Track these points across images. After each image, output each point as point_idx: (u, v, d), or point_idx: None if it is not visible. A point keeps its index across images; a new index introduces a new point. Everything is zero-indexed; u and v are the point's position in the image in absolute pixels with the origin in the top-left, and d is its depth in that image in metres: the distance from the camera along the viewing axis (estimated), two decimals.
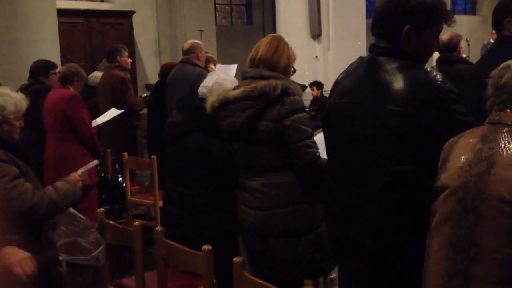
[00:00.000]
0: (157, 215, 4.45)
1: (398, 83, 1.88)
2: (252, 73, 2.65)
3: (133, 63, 11.33)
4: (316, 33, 9.54)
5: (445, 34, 4.34)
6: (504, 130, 1.67)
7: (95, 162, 3.66)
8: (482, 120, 1.86)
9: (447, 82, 1.89)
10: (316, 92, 9.24)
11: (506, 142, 1.65)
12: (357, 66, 2.11)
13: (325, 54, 9.60)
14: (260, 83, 2.55)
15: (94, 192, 4.48)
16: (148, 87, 11.97)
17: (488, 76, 2.85)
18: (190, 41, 5.17)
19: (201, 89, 3.10)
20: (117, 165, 5.12)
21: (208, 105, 2.72)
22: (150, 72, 12.38)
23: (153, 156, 4.59)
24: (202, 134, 2.97)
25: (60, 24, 10.39)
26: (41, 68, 5.16)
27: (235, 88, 2.68)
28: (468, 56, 9.45)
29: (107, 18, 11.19)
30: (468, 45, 9.84)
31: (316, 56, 9.62)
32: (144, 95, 6.31)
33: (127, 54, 5.89)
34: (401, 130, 1.86)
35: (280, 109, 2.53)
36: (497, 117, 1.71)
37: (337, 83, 2.18)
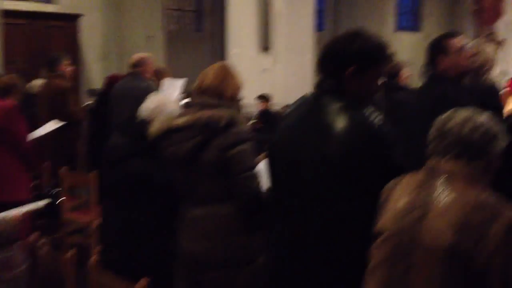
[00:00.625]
0: (93, 236, 4.33)
1: (341, 123, 1.92)
2: (198, 101, 2.62)
3: (78, 68, 11.08)
4: (264, 46, 9.60)
5: None
6: (440, 178, 1.72)
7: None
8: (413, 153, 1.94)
9: (386, 125, 1.94)
10: (263, 105, 9.27)
11: (441, 190, 1.69)
12: (301, 103, 2.15)
13: (274, 67, 9.66)
14: (206, 113, 2.53)
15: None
16: (92, 92, 11.64)
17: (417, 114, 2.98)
18: (137, 55, 5.09)
19: (143, 112, 3.04)
20: (55, 180, 4.96)
21: (152, 132, 2.67)
22: (95, 77, 12.10)
23: (92, 172, 4.47)
24: (143, 159, 2.92)
25: (2, 25, 10.11)
26: None
27: (180, 116, 2.64)
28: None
29: (52, 21, 10.86)
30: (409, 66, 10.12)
31: (264, 69, 9.67)
32: (87, 103, 6.15)
33: (67, 62, 5.73)
34: (340, 170, 1.91)
35: (224, 139, 2.52)
36: (435, 164, 1.75)
37: (282, 119, 2.21)
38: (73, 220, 4.84)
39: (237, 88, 2.68)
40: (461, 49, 3.00)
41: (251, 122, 9.38)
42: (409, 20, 17.67)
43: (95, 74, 12.15)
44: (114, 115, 4.95)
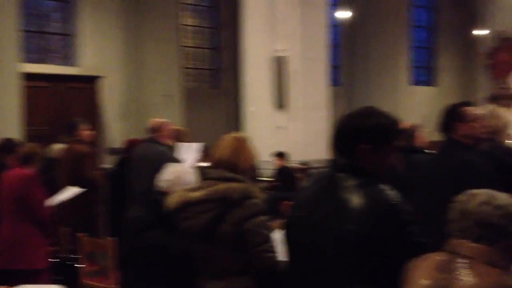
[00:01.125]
0: None
1: (356, 201, 1.92)
2: (213, 175, 2.65)
3: (98, 127, 11.30)
4: (280, 103, 9.71)
5: (403, 124, 4.47)
6: (460, 261, 1.69)
7: None
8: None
9: (403, 202, 1.94)
10: (279, 162, 9.29)
11: (461, 273, 1.66)
12: (316, 179, 2.16)
13: (289, 124, 9.74)
14: (221, 186, 2.55)
15: (44, 277, 4.32)
16: (112, 151, 11.87)
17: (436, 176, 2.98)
18: (156, 120, 5.19)
19: (162, 183, 3.08)
20: (74, 246, 4.96)
21: (168, 204, 2.68)
22: (115, 136, 12.31)
23: (111, 238, 4.47)
24: (161, 231, 2.93)
25: (24, 88, 10.40)
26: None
27: (196, 189, 2.66)
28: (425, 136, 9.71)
29: (73, 83, 11.17)
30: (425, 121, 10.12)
31: (280, 126, 9.74)
32: (107, 167, 6.23)
33: (85, 127, 5.85)
34: (358, 248, 1.89)
35: (240, 212, 2.53)
36: (455, 247, 1.73)
37: (298, 194, 2.22)
38: (92, 286, 4.81)
39: (251, 160, 2.70)
40: (476, 117, 3.06)
41: (268, 179, 9.40)
42: (424, 74, 17.83)
43: (115, 133, 12.37)
44: (133, 180, 4.99)
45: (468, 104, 3.15)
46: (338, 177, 2.02)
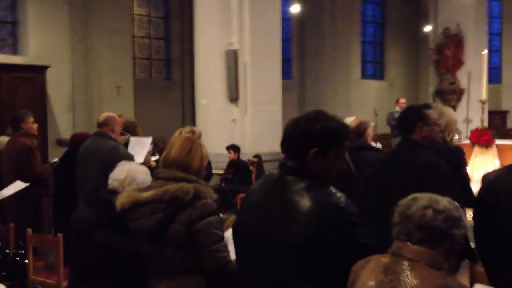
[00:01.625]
0: None
1: (304, 204, 1.95)
2: (164, 174, 2.63)
3: (45, 118, 10.99)
4: (233, 97, 9.71)
5: (353, 121, 4.55)
6: (404, 263, 1.74)
7: None
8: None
9: (350, 205, 1.98)
10: (233, 155, 9.31)
11: (405, 276, 1.72)
12: (265, 181, 2.18)
13: (242, 118, 9.76)
14: (172, 186, 2.53)
15: None
16: (60, 142, 11.59)
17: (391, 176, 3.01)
18: (105, 114, 5.07)
19: (112, 182, 3.03)
20: (20, 242, 4.83)
21: (118, 205, 2.65)
22: (63, 127, 12.02)
23: (59, 234, 4.38)
24: (110, 231, 2.89)
25: None
26: None
27: (146, 189, 2.64)
28: (376, 125, 9.94)
29: (20, 73, 10.80)
30: (376, 115, 10.38)
31: (234, 119, 9.76)
32: (53, 161, 6.08)
33: (31, 119, 5.69)
34: (306, 250, 1.93)
35: (191, 213, 2.52)
36: (399, 249, 1.78)
37: (247, 196, 2.23)
38: (40, 282, 4.70)
39: (203, 160, 2.69)
40: (437, 120, 3.19)
41: (221, 172, 9.41)
42: (373, 68, 18.16)
43: (63, 125, 12.07)
44: (80, 175, 4.89)
45: (429, 106, 3.25)
46: (287, 179, 2.05)
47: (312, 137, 2.02)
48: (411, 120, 3.13)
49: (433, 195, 1.80)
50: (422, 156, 2.99)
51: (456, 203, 1.81)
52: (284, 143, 2.11)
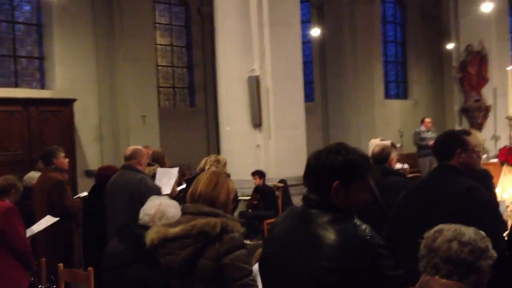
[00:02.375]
0: None
1: (329, 237, 1.96)
2: (192, 209, 2.67)
3: (73, 150, 11.19)
4: (257, 122, 9.76)
5: (377, 146, 4.54)
6: None
7: None
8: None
9: (376, 237, 1.98)
10: (258, 180, 9.32)
11: None
12: (289, 215, 2.19)
13: (266, 143, 9.79)
14: (200, 221, 2.57)
15: None
16: (88, 173, 11.77)
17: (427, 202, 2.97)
18: (131, 147, 5.17)
19: (143, 217, 3.09)
20: (52, 276, 4.90)
21: (148, 240, 2.69)
22: (91, 158, 12.23)
23: (89, 268, 4.43)
24: (142, 265, 2.93)
25: None
26: None
27: (175, 224, 2.68)
28: (401, 145, 9.87)
29: (47, 106, 11.06)
30: (401, 135, 10.31)
31: (258, 145, 9.79)
32: (83, 195, 6.19)
33: (63, 155, 5.81)
34: (332, 285, 1.92)
35: (219, 247, 2.55)
36: (427, 283, 1.78)
37: (271, 229, 2.25)
38: None
39: (229, 194, 2.73)
40: (476, 147, 3.12)
41: (246, 198, 9.42)
42: (395, 88, 18.08)
43: (92, 156, 12.28)
44: (110, 209, 4.96)
45: (468, 133, 3.18)
46: (311, 213, 2.06)
47: (333, 170, 2.03)
48: (450, 145, 3.06)
49: (459, 226, 1.79)
50: (463, 182, 2.92)
51: (483, 233, 1.80)
52: (307, 176, 2.12)
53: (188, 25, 15.66)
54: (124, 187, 4.86)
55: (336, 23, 15.64)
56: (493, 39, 12.75)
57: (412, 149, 11.87)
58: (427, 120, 11.46)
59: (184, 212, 2.72)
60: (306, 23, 15.37)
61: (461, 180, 2.94)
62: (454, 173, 2.99)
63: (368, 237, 1.96)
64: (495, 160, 7.32)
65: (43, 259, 4.94)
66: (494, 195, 3.69)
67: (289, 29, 9.97)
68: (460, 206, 2.79)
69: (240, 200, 9.34)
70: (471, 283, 1.73)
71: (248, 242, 2.62)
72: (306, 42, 15.37)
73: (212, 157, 5.67)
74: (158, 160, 6.28)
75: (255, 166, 9.52)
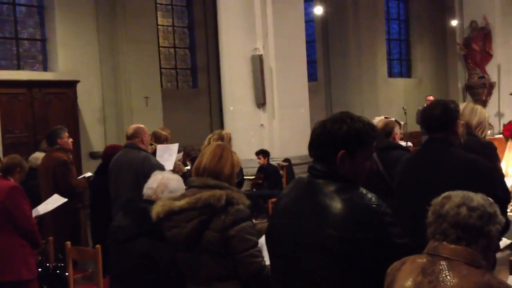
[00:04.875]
0: None
1: (336, 206, 1.95)
2: (197, 183, 2.67)
3: (77, 132, 11.21)
4: (260, 102, 9.73)
5: (380, 121, 4.52)
6: (441, 263, 1.73)
7: None
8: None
9: (382, 205, 1.97)
10: (262, 160, 9.34)
11: (444, 276, 1.71)
12: (295, 186, 2.18)
13: (270, 122, 9.78)
14: (205, 194, 2.57)
15: (33, 287, 4.31)
16: (92, 155, 11.81)
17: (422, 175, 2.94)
18: (133, 126, 5.16)
19: (146, 191, 3.09)
20: (60, 255, 4.95)
21: (153, 214, 2.70)
22: (95, 140, 12.24)
23: (97, 245, 4.46)
24: (147, 239, 2.94)
25: (0, 95, 10.28)
26: None
27: (180, 197, 2.68)
28: (405, 123, 9.84)
29: (50, 88, 11.05)
30: (405, 113, 10.27)
31: (262, 124, 9.78)
32: (88, 175, 6.21)
33: (67, 134, 5.83)
34: (339, 254, 1.92)
35: (224, 219, 2.55)
36: (435, 249, 1.77)
37: (277, 201, 2.25)
38: None
39: (234, 167, 2.73)
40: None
41: (251, 178, 9.43)
42: (399, 66, 17.98)
43: (95, 137, 12.29)
44: (115, 187, 4.97)
45: (455, 102, 3.07)
46: (317, 183, 2.05)
47: (338, 139, 2.02)
48: (451, 117, 2.94)
49: (466, 192, 1.78)
50: (464, 154, 2.87)
51: (490, 199, 1.79)
52: (312, 146, 2.11)
53: (190, 5, 15.55)
54: (128, 165, 4.87)
55: (338, 1, 15.51)
56: (497, 15, 12.61)
57: (416, 128, 11.83)
58: (431, 98, 11.40)
59: (189, 186, 2.72)
60: (308, 2, 15.25)
61: (461, 152, 2.89)
62: (448, 146, 2.90)
63: (374, 206, 1.96)
64: (500, 135, 7.31)
65: (51, 238, 4.99)
66: (499, 166, 3.67)
67: (292, 7, 9.90)
68: (464, 178, 2.71)
69: (245, 179, 9.36)
70: (480, 248, 1.73)
71: (252, 220, 2.63)
72: (309, 21, 15.26)
73: (216, 134, 5.65)
74: (160, 139, 6.29)
75: (259, 145, 9.52)
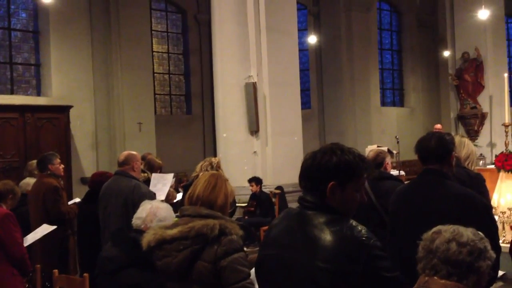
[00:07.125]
0: None
1: (326, 239, 1.94)
2: (190, 211, 2.64)
3: (69, 157, 11.15)
4: (254, 129, 9.74)
5: (371, 151, 4.53)
6: None
7: None
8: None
9: (372, 238, 1.96)
10: (255, 187, 9.30)
11: None
12: (285, 217, 2.17)
13: (263, 150, 9.77)
14: (198, 223, 2.54)
15: None
16: (84, 180, 11.71)
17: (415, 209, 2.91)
18: (125, 153, 5.11)
19: (135, 221, 3.07)
20: (47, 283, 4.86)
21: (144, 243, 2.65)
22: (87, 165, 12.18)
23: (85, 274, 4.39)
24: (137, 269, 2.90)
25: None
26: None
27: (172, 226, 2.65)
28: (398, 152, 9.86)
29: (43, 113, 11.03)
30: (398, 142, 10.29)
31: (255, 152, 9.77)
32: (77, 200, 6.14)
33: (58, 160, 5.78)
34: (330, 286, 1.90)
35: (217, 249, 2.52)
36: (425, 284, 1.76)
37: (267, 232, 2.23)
38: None
39: (228, 197, 2.70)
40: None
41: (243, 205, 9.38)
42: (392, 95, 18.12)
43: (87, 162, 12.23)
44: (104, 215, 4.90)
45: (449, 134, 3.08)
46: (307, 214, 2.04)
47: (328, 170, 2.01)
48: (447, 150, 2.91)
49: (457, 227, 1.77)
50: (457, 187, 2.86)
51: (481, 234, 1.78)
52: (302, 178, 2.10)
53: (185, 32, 15.68)
54: (118, 193, 4.79)
55: (332, 31, 15.69)
56: (489, 46, 12.79)
57: (409, 156, 11.84)
58: (438, 126, 11.24)
59: (182, 215, 2.69)
60: (303, 31, 15.43)
61: (454, 185, 2.87)
62: (444, 178, 2.87)
63: (364, 238, 1.94)
64: (492, 166, 7.31)
65: (38, 265, 4.90)
66: (488, 199, 3.66)
67: (286, 36, 9.98)
68: (456, 212, 2.70)
69: (237, 207, 9.31)
70: (470, 284, 1.71)
71: (244, 249, 2.60)
72: (303, 49, 15.42)
73: (207, 161, 5.65)
74: (153, 167, 6.26)
75: (252, 172, 9.50)
